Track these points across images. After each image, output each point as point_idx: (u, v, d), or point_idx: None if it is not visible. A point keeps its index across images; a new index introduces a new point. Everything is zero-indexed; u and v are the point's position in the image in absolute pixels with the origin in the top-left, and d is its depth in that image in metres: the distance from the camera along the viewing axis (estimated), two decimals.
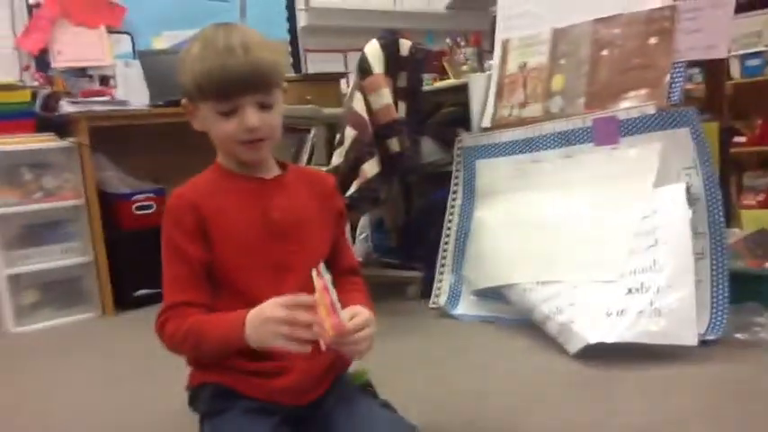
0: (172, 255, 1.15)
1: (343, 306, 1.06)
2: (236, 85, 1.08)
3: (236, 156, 1.17)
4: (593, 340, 1.78)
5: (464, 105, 2.64)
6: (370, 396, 1.28)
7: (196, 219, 1.14)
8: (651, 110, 2.07)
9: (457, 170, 2.55)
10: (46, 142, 2.83)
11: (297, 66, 4.16)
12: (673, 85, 2.09)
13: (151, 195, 3.02)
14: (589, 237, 2.03)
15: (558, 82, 2.38)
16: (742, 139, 3.71)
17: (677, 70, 2.10)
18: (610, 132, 2.14)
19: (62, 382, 2.00)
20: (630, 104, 2.14)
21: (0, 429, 1.66)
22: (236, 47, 1.09)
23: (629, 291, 1.83)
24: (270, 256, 1.16)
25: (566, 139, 2.25)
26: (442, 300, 2.41)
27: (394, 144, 2.24)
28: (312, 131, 2.83)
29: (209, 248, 1.15)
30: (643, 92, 2.14)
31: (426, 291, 2.55)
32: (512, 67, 2.54)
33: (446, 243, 2.50)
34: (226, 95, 1.09)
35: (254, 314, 1.05)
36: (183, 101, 1.17)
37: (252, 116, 1.10)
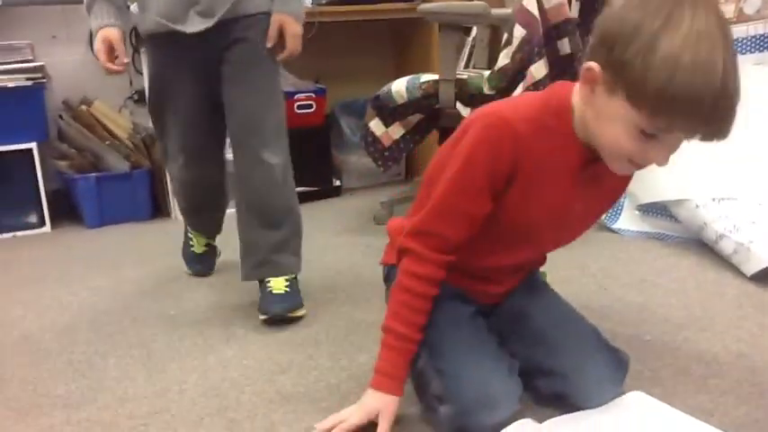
0: (459, 186, 1.05)
1: None
2: (706, 127, 0.90)
3: (603, 157, 1.00)
4: None
5: None
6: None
7: (508, 168, 1.02)
8: None
9: None
10: None
11: None
12: None
13: (312, 95, 3.06)
14: None
15: None
16: None
17: None
18: None
19: None
20: None
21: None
22: (729, 83, 0.87)
23: None
24: (547, 232, 1.13)
25: (760, 44, 2.03)
26: None
27: (565, 45, 2.11)
28: (473, 32, 2.73)
29: (504, 193, 1.05)
30: None
31: None
32: None
33: None
34: (679, 129, 0.90)
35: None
36: (596, 66, 0.93)
37: (665, 157, 0.94)
